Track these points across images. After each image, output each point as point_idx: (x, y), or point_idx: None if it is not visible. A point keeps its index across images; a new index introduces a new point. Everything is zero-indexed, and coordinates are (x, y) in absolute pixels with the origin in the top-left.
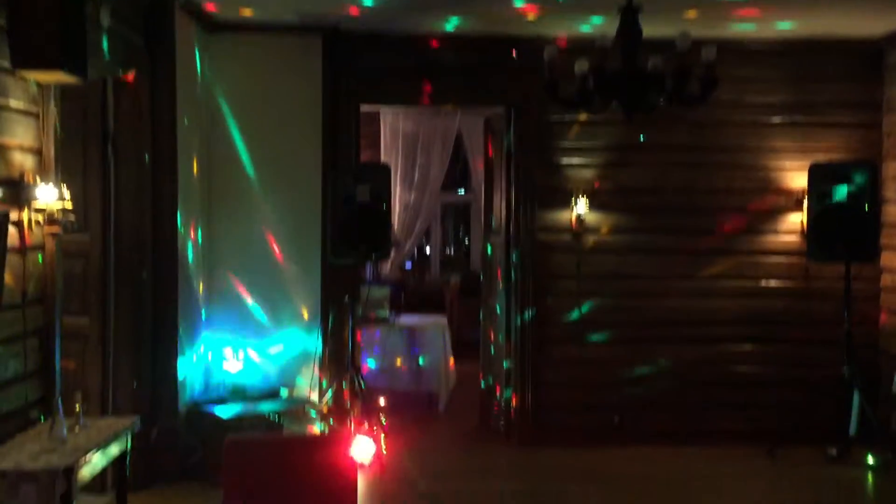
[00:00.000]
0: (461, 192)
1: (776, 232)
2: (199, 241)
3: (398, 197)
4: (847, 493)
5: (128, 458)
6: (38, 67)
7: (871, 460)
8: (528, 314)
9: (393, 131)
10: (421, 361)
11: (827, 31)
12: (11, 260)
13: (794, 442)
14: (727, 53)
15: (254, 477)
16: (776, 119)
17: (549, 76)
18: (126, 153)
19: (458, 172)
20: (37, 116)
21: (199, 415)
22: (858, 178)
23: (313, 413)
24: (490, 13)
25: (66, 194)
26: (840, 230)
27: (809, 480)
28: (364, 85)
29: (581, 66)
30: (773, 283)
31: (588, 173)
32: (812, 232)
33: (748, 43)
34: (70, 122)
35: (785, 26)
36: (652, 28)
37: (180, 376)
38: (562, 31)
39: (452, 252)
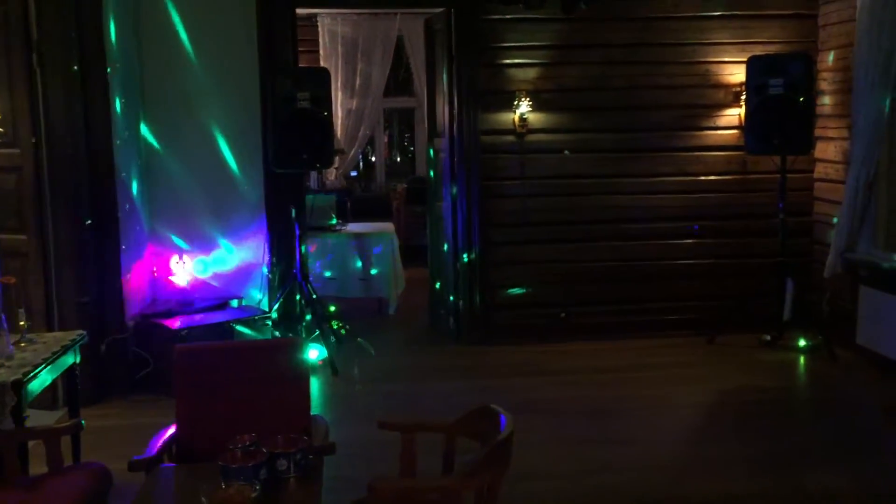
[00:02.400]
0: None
1: (715, 127)
2: (139, 150)
3: (340, 104)
4: (780, 373)
5: (77, 372)
6: None
7: (802, 343)
8: (474, 217)
9: (332, 35)
10: (370, 268)
11: None
12: None
13: (733, 330)
14: None
15: (206, 385)
16: (715, 13)
17: None
18: (53, 65)
19: (400, 77)
20: None
21: (147, 327)
22: (794, 70)
23: (266, 322)
24: None
25: None
26: (776, 123)
27: (746, 364)
28: None
29: None
30: (712, 177)
31: (530, 73)
32: (749, 125)
33: None
34: None
35: None
36: None
37: (126, 289)
38: None
39: (398, 159)
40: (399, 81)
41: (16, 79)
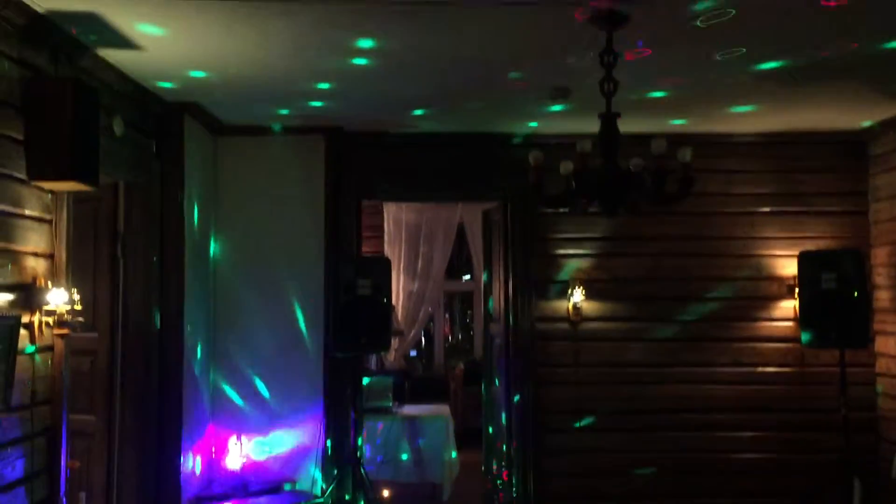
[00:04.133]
0: (466, 278)
1: (770, 318)
2: (206, 334)
3: (402, 285)
4: None
5: None
6: (53, 179)
7: None
8: (527, 403)
9: (396, 221)
10: (423, 452)
11: (810, 124)
12: (21, 361)
13: None
14: (713, 147)
15: None
16: (765, 209)
17: (535, 179)
18: (135, 253)
19: (462, 258)
20: (50, 223)
21: None
22: (846, 265)
23: None
24: (485, 120)
25: (76, 297)
26: (832, 317)
27: None
28: (365, 181)
29: (566, 167)
30: (769, 369)
31: (583, 263)
32: (804, 319)
33: (734, 136)
34: (82, 224)
35: (769, 123)
36: (637, 125)
37: (183, 471)
38: (554, 129)
39: (460, 336)
40: (461, 264)
41: (100, 268)
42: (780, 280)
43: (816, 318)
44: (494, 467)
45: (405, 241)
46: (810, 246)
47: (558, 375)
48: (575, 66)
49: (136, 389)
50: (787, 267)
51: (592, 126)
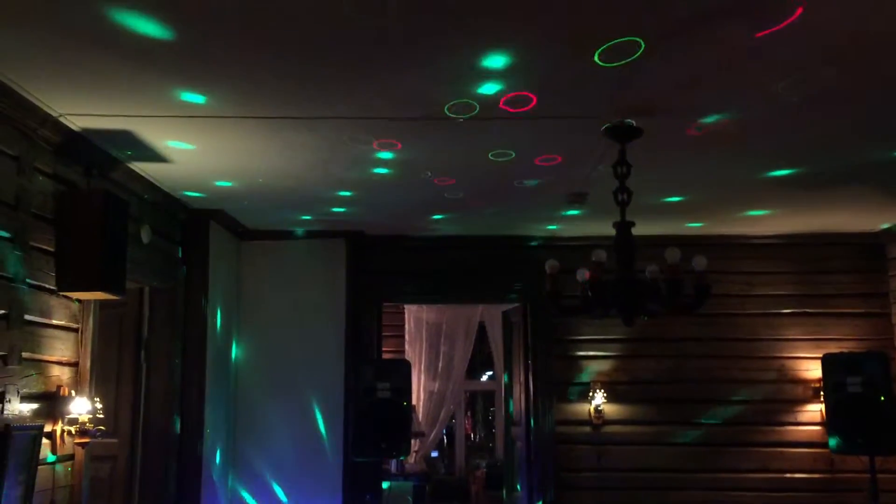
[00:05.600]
0: (487, 375)
1: (797, 423)
2: (225, 439)
3: (422, 385)
4: None
5: None
6: (82, 290)
7: None
8: None
9: (417, 321)
10: None
11: (829, 226)
12: (42, 471)
13: None
14: (733, 249)
15: None
16: (786, 310)
17: (551, 288)
18: (158, 358)
19: (483, 357)
20: (76, 331)
21: None
22: (871, 369)
23: None
24: (503, 223)
25: (99, 405)
26: (859, 422)
27: None
28: (386, 283)
29: (582, 275)
30: (798, 475)
31: (604, 365)
32: (832, 424)
33: (754, 238)
34: (107, 329)
35: (787, 225)
36: (653, 227)
37: None
38: (571, 232)
39: (483, 434)
40: (482, 361)
41: (123, 373)
42: (804, 383)
43: (844, 423)
44: None
45: (426, 341)
46: (833, 348)
47: (581, 480)
48: (590, 175)
49: (154, 495)
50: (812, 369)
51: (609, 229)
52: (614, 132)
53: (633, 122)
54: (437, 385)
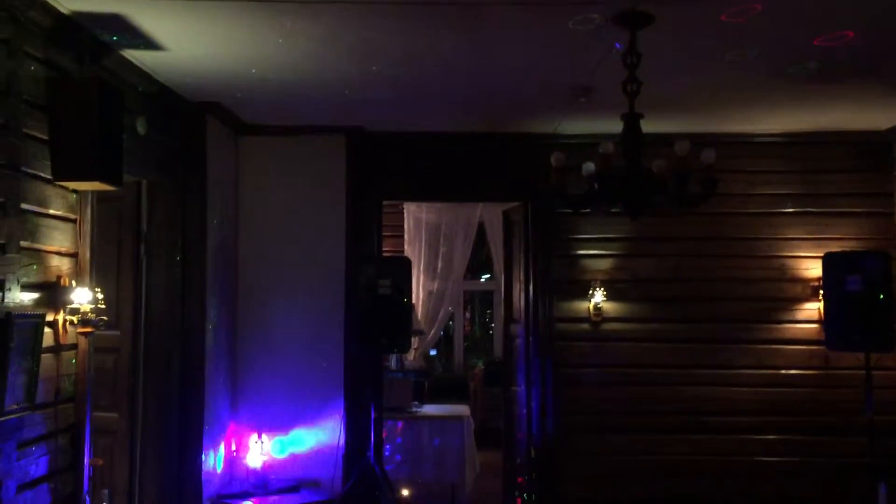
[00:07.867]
0: (486, 277)
1: (794, 321)
2: (228, 333)
3: (422, 285)
4: None
5: None
6: (77, 179)
7: None
8: (548, 404)
9: (416, 221)
10: (443, 452)
11: (834, 124)
12: (45, 359)
13: None
14: (736, 147)
15: None
16: (788, 209)
17: (556, 181)
18: (158, 252)
19: (482, 257)
20: (74, 222)
21: None
22: (872, 268)
23: None
24: (506, 119)
25: (100, 296)
26: (857, 320)
27: None
28: (386, 181)
29: (587, 168)
30: (792, 371)
31: (604, 263)
32: (829, 321)
33: (756, 136)
34: (105, 223)
35: (791, 122)
36: (659, 125)
37: (205, 469)
38: (576, 129)
39: (478, 335)
40: (481, 263)
41: (123, 267)
42: (804, 282)
43: (841, 320)
44: (514, 468)
45: (425, 241)
46: (834, 247)
47: (580, 375)
48: (597, 66)
49: (158, 387)
50: (812, 269)
51: (615, 126)
52: (623, 18)
53: (647, 10)
54: (435, 284)
